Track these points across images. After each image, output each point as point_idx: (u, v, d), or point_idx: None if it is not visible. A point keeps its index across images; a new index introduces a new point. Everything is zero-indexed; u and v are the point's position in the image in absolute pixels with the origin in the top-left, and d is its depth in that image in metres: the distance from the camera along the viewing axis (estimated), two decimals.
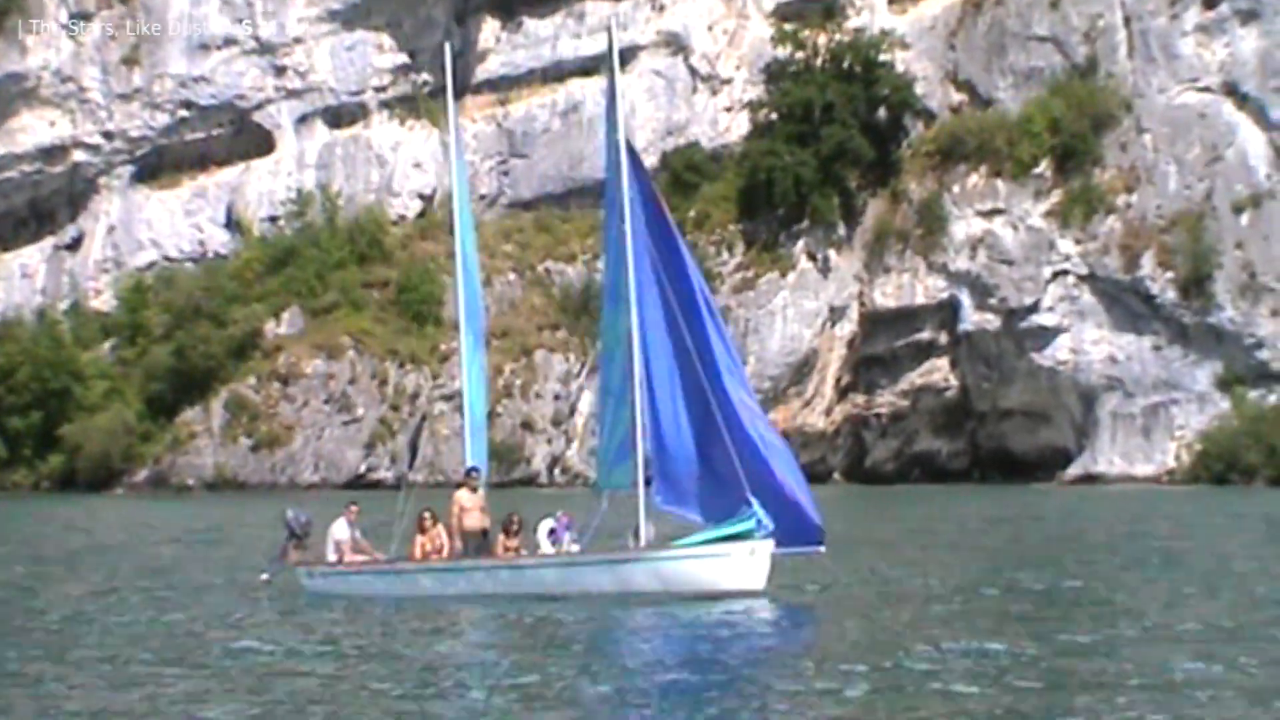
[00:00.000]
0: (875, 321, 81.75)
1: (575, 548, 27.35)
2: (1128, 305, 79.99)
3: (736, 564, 24.90)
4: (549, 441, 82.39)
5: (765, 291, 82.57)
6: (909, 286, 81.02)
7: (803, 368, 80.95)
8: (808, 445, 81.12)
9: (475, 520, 27.77)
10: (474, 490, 28.27)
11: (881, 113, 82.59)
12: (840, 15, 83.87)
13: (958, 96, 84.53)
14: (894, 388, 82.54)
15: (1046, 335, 79.63)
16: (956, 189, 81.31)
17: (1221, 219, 79.13)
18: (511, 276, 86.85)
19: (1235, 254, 78.25)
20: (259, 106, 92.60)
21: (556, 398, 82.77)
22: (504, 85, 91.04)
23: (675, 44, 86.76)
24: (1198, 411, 78.59)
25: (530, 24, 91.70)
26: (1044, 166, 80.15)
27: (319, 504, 40.89)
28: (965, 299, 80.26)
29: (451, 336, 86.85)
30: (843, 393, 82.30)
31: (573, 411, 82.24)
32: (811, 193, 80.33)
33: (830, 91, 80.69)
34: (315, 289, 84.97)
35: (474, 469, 28.68)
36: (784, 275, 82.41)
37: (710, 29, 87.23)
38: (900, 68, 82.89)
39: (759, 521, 24.96)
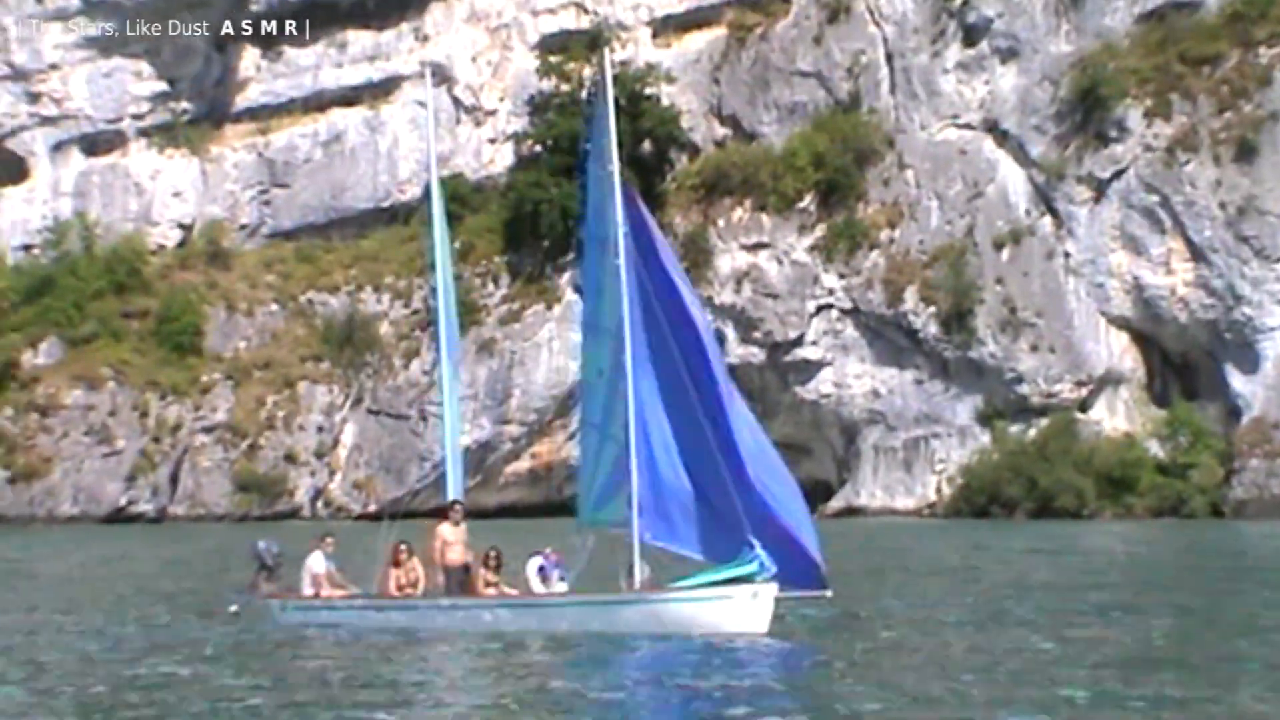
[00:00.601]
0: None
1: (563, 586, 27.58)
2: (890, 339, 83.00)
3: (739, 607, 25.16)
4: (312, 474, 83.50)
5: (531, 324, 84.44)
6: None
7: (568, 400, 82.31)
8: (571, 478, 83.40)
9: (457, 555, 27.84)
10: (456, 524, 28.24)
11: (647, 146, 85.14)
12: (605, 48, 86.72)
13: (722, 130, 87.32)
14: None
15: (810, 369, 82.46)
16: (721, 222, 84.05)
17: (983, 254, 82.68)
18: (273, 307, 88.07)
19: (996, 289, 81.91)
20: (12, 134, 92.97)
21: (319, 429, 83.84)
22: (265, 114, 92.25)
23: (439, 75, 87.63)
24: (958, 445, 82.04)
25: (291, 53, 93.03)
26: (808, 201, 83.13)
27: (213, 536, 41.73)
28: (730, 332, 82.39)
29: (212, 368, 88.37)
30: None
31: (335, 443, 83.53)
32: (578, 225, 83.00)
33: None
34: (73, 319, 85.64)
35: (457, 502, 28.74)
36: (550, 307, 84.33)
37: (474, 60, 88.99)
38: (665, 101, 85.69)
39: (761, 564, 25.22)
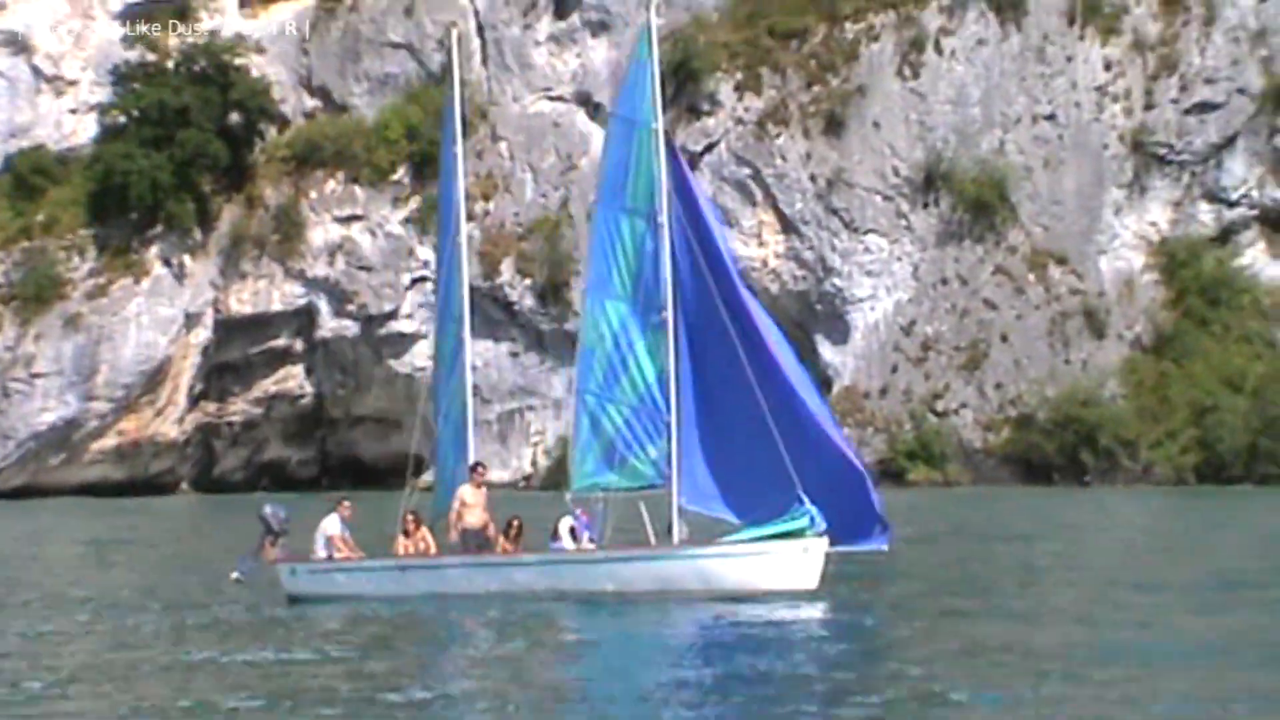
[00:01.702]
0: (230, 328, 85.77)
1: (591, 546, 28.49)
2: (487, 312, 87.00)
3: (789, 562, 26.37)
4: None
5: (119, 299, 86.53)
6: (265, 293, 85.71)
7: (156, 376, 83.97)
8: (159, 455, 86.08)
9: (477, 517, 28.82)
10: (478, 486, 29.22)
11: (235, 117, 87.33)
12: (192, 18, 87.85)
13: (312, 102, 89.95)
14: (247, 395, 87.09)
15: (404, 342, 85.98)
16: (314, 195, 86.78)
17: (578, 227, 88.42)
18: None
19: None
20: None
21: None
22: None
23: (17, 44, 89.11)
24: (554, 417, 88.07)
25: None
26: (401, 173, 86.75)
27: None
28: (323, 305, 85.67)
29: None
30: (195, 401, 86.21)
31: None
32: (167, 198, 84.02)
33: (185, 95, 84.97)
34: None
35: (480, 464, 29.90)
36: (138, 282, 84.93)
37: (54, 29, 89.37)
38: (256, 73, 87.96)
39: (812, 518, 26.40)
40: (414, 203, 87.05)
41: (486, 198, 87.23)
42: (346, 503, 30.23)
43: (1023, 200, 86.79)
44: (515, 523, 28.92)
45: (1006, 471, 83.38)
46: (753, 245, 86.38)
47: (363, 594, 28.20)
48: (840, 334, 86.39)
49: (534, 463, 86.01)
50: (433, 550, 29.11)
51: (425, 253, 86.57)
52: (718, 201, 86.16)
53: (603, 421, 28.98)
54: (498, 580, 27.94)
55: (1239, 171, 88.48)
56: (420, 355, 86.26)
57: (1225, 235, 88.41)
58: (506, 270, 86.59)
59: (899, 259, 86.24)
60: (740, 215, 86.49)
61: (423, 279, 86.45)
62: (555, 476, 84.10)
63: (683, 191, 28.62)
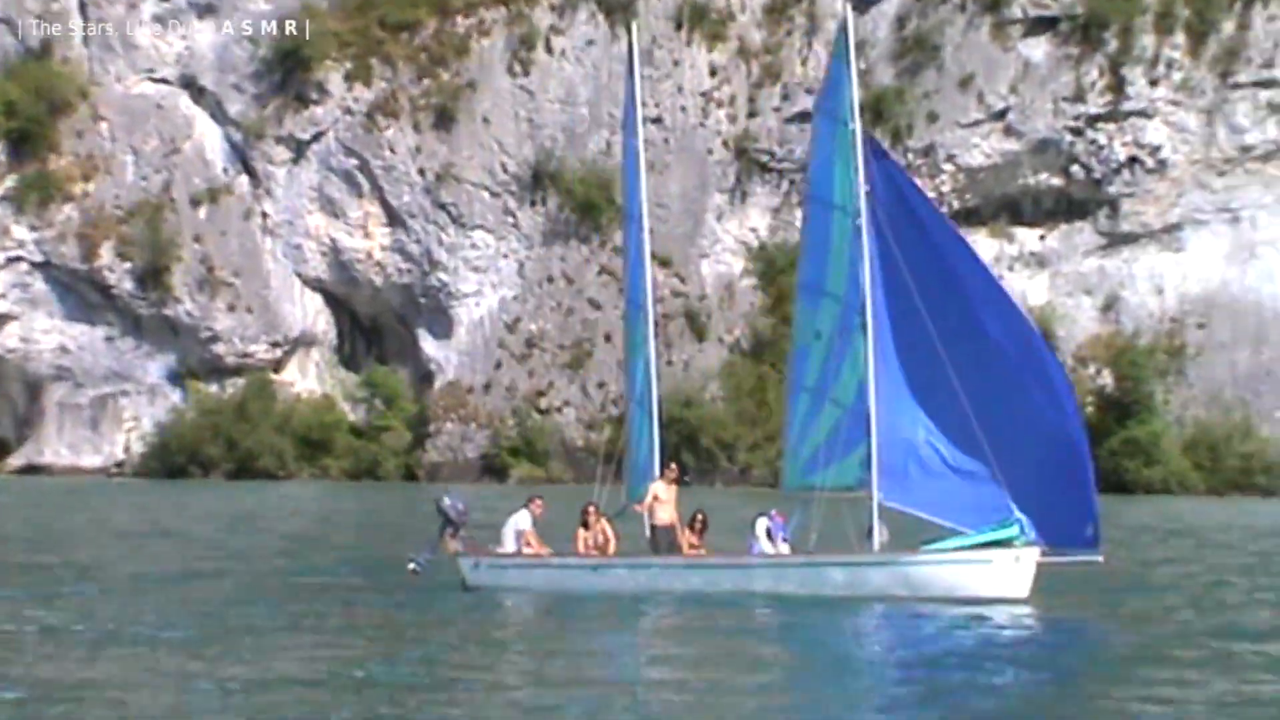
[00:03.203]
0: None
1: (785, 548, 30.20)
2: (83, 295, 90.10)
3: (1000, 571, 28.14)
4: None
5: None
6: None
7: None
8: None
9: (668, 514, 30.47)
10: (671, 482, 30.93)
11: None
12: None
13: None
14: None
15: None
16: None
17: (181, 212, 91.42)
18: None
19: (194, 247, 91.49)
20: None
21: None
22: None
23: None
24: (149, 403, 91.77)
25: None
26: None
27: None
28: None
29: None
30: None
31: None
32: None
33: None
34: None
35: (675, 460, 31.73)
36: None
37: None
38: None
39: (1022, 527, 28.18)
40: (10, 181, 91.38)
41: (87, 178, 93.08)
42: (539, 500, 31.41)
43: None
44: (700, 516, 30.66)
45: (608, 470, 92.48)
46: (358, 237, 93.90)
47: (550, 590, 29.79)
48: (444, 328, 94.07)
49: (127, 449, 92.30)
50: (612, 543, 30.61)
51: (21, 232, 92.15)
52: (324, 192, 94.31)
53: (817, 420, 30.47)
54: (697, 582, 29.72)
55: None
56: (12, 335, 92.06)
57: None
58: (106, 253, 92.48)
59: (505, 256, 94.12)
60: (347, 206, 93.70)
61: (18, 259, 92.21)
62: (149, 463, 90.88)
63: (888, 191, 29.80)
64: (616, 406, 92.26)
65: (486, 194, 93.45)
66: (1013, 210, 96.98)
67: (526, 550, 30.74)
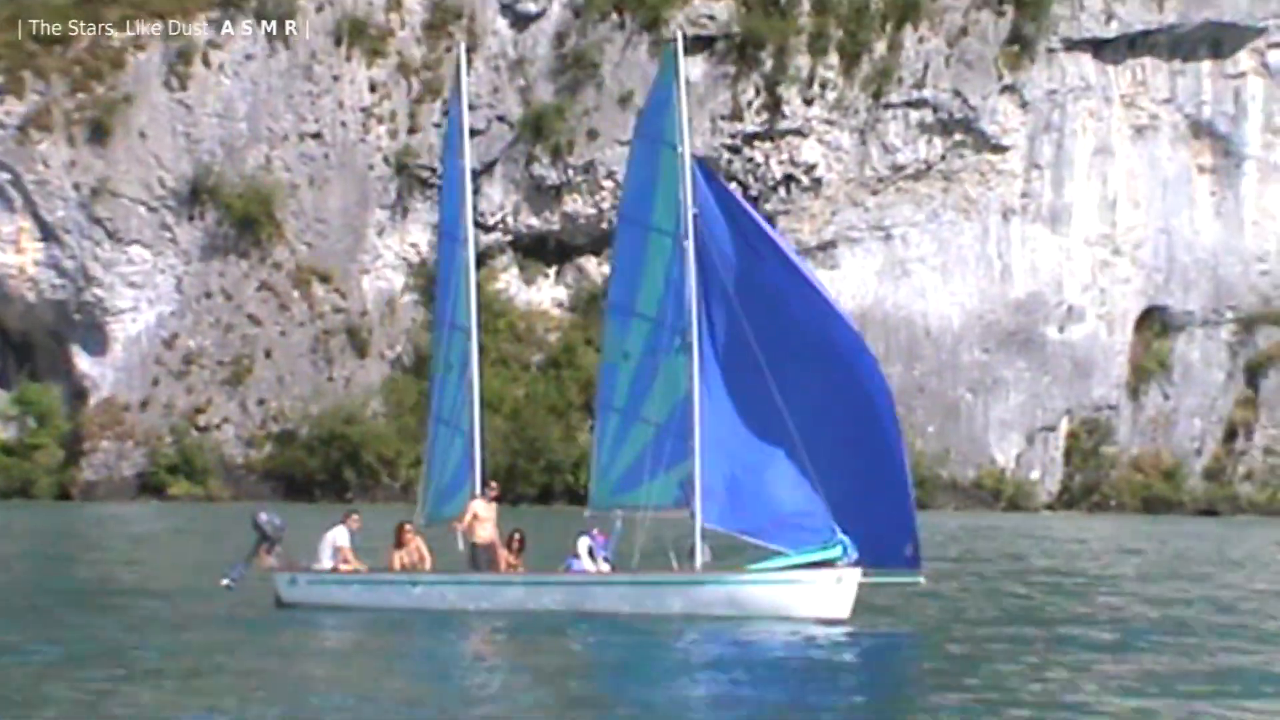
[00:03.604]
0: None
1: (605, 567, 30.56)
2: None
3: (822, 591, 28.61)
4: None
5: None
6: None
7: None
8: None
9: (488, 532, 30.92)
10: (490, 501, 31.43)
11: None
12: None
13: None
14: None
15: None
16: None
17: None
18: None
19: None
20: None
21: None
22: None
23: None
24: None
25: None
26: None
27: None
28: None
29: None
30: None
31: None
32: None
33: None
34: None
35: (494, 481, 31.69)
36: None
37: None
38: None
39: (845, 548, 28.54)
40: None
41: None
42: (355, 515, 31.75)
43: (288, 217, 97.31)
44: (518, 536, 31.11)
45: (268, 487, 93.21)
46: (10, 252, 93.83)
47: (369, 606, 30.06)
48: (100, 345, 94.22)
49: None
50: (427, 561, 31.08)
51: None
52: None
53: (626, 440, 30.87)
54: (511, 600, 30.16)
55: (497, 198, 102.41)
56: None
57: (482, 260, 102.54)
58: None
59: (163, 271, 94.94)
60: None
61: None
62: None
63: (717, 213, 30.33)
64: (277, 423, 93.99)
65: (143, 209, 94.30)
66: None
67: (344, 566, 30.97)
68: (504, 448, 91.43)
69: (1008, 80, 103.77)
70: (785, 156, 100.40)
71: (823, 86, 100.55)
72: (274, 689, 21.11)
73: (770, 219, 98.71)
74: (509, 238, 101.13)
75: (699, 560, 29.86)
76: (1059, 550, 56.27)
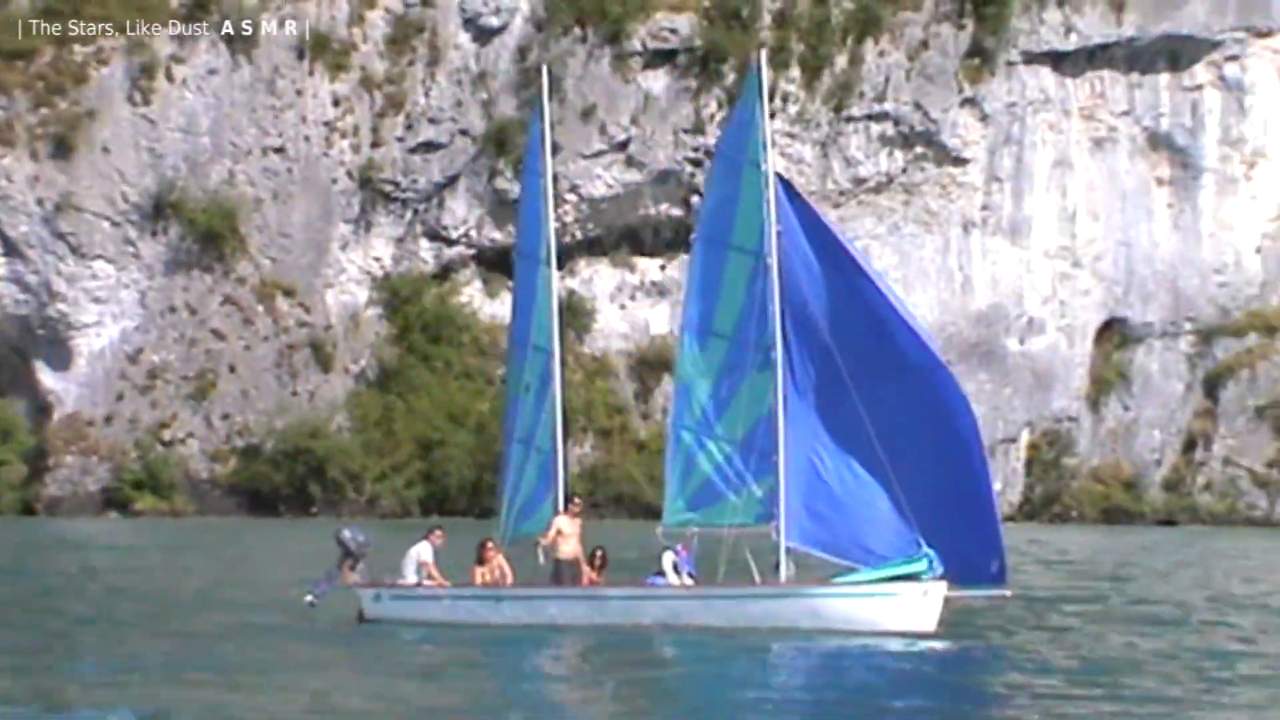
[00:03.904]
0: None
1: (689, 580, 31.50)
2: None
3: (908, 605, 29.38)
4: None
5: None
6: None
7: None
8: None
9: (571, 548, 31.92)
10: (574, 516, 32.55)
11: None
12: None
13: None
14: None
15: None
16: None
17: None
18: None
19: None
20: None
21: None
22: None
23: None
24: None
25: None
26: None
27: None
28: None
29: None
30: None
31: None
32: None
33: None
34: None
35: (577, 496, 32.89)
36: None
37: None
38: None
39: (930, 562, 29.39)
40: None
41: None
42: (439, 530, 32.67)
43: (252, 232, 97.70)
44: (600, 553, 32.09)
45: (234, 502, 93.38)
46: None
47: (456, 621, 30.96)
48: (63, 360, 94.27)
49: None
50: (509, 578, 32.10)
51: None
52: None
53: (699, 458, 31.90)
54: (603, 613, 31.04)
55: (460, 211, 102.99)
56: None
57: (445, 273, 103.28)
58: None
59: (126, 286, 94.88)
60: None
61: None
62: None
63: (800, 231, 31.16)
64: (242, 437, 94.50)
65: (107, 224, 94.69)
66: (634, 240, 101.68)
67: (428, 582, 31.77)
68: (468, 461, 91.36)
69: (968, 93, 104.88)
70: None
71: (784, 100, 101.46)
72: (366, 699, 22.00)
73: None
74: (472, 251, 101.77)
75: (784, 574, 30.71)
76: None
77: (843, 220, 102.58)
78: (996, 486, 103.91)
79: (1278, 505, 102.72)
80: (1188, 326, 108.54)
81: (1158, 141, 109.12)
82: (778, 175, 31.90)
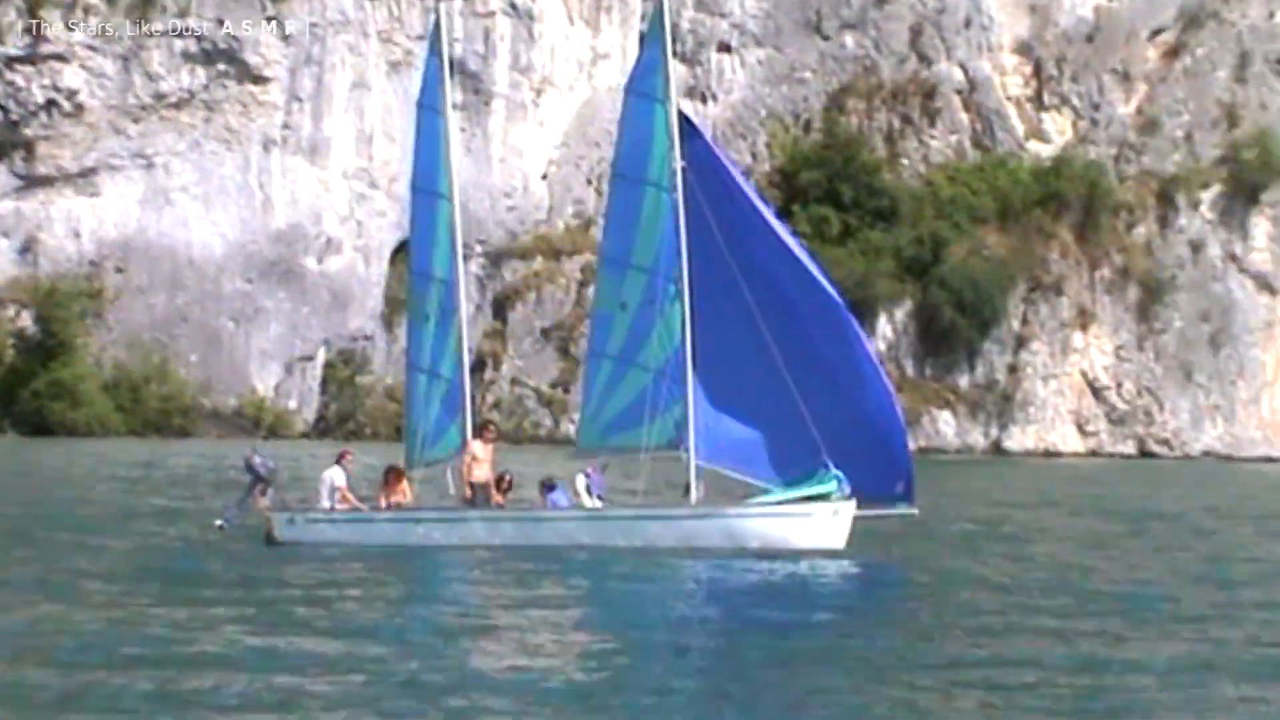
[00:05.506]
0: None
1: (599, 503, 32.68)
2: None
3: (819, 524, 30.91)
4: None
5: None
6: None
7: None
8: None
9: (485, 472, 33.27)
10: (488, 442, 33.79)
11: None
12: None
13: None
14: None
15: None
16: None
17: None
18: None
19: None
20: None
21: None
22: None
23: None
24: None
25: None
26: None
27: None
28: None
29: None
30: None
31: None
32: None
33: None
34: None
35: (491, 422, 31.93)
36: None
37: None
38: None
39: (839, 482, 30.78)
40: None
41: None
42: (349, 454, 33.90)
43: None
44: (507, 477, 33.80)
45: None
46: None
47: (369, 543, 31.84)
48: None
49: None
50: (412, 501, 33.66)
51: None
52: None
53: (621, 385, 33.32)
54: (512, 534, 32.47)
55: None
56: None
57: None
58: None
59: None
60: None
61: None
62: None
63: (700, 164, 32.93)
64: None
65: None
66: None
67: (341, 506, 32.88)
68: None
69: (270, 11, 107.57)
70: (47, 81, 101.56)
71: (85, 11, 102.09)
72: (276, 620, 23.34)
73: (30, 145, 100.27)
74: None
75: (694, 496, 32.52)
76: None
77: (143, 135, 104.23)
78: (292, 404, 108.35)
79: (562, 423, 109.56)
80: (478, 249, 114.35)
81: (451, 67, 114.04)
82: (681, 113, 33.91)
